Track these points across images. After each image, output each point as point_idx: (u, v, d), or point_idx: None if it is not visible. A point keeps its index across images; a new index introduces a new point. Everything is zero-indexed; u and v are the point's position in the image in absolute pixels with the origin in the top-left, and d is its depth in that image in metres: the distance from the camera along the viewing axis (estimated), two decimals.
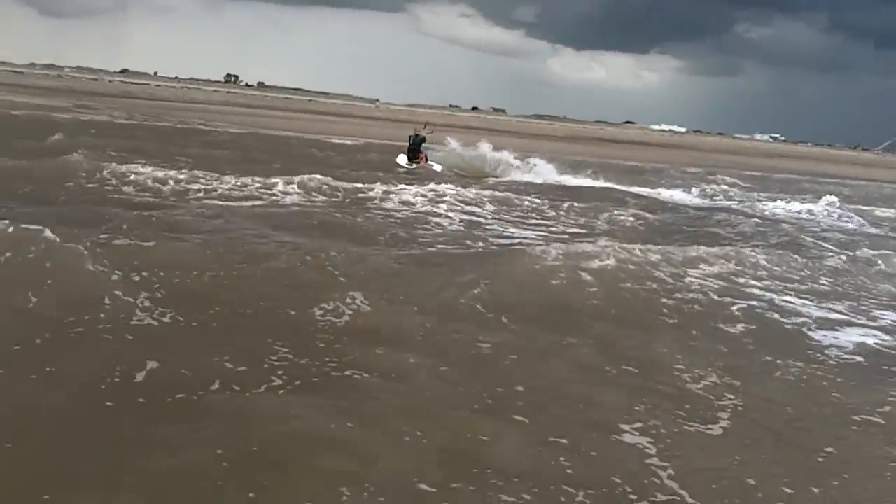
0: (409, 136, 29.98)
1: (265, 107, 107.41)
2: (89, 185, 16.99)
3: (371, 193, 19.18)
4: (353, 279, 9.69)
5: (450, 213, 17.57)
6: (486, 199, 20.32)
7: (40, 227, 9.24)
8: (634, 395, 7.05)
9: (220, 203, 16.14)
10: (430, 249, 12.95)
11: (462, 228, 15.97)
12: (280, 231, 12.69)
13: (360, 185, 20.10)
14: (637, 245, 12.70)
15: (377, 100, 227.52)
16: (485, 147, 31.95)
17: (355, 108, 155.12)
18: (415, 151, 29.19)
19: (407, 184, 21.23)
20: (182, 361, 6.73)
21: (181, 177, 18.57)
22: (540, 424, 6.24)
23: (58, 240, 9.04)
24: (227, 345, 7.22)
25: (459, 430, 5.93)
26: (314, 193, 18.61)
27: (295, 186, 18.83)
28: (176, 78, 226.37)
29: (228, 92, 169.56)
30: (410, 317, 8.65)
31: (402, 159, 29.56)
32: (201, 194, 17.24)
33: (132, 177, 18.08)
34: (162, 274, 9.12)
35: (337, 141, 42.63)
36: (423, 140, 29.50)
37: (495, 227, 16.73)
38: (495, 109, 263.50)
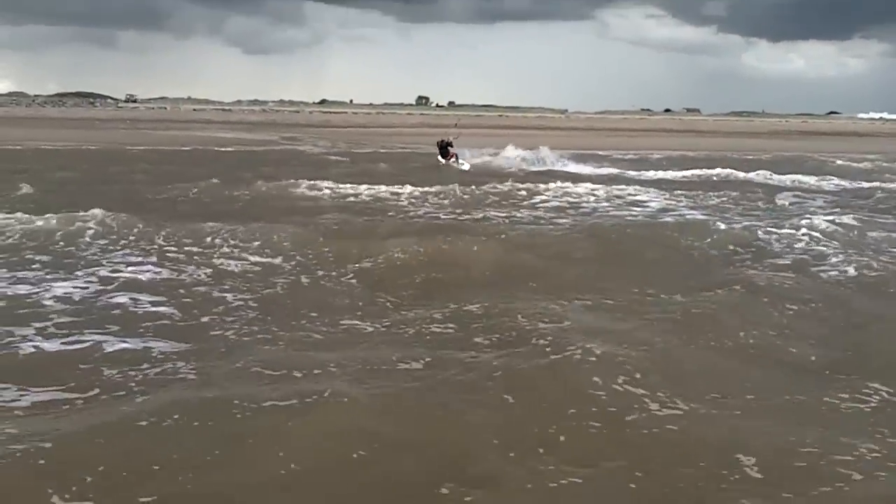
0: (438, 143, 34.87)
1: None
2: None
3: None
4: None
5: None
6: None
7: None
8: None
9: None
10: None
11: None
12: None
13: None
14: None
15: (566, 110, 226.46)
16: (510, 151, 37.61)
17: (545, 120, 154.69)
18: (444, 153, 33.98)
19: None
20: None
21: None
22: None
23: None
24: None
25: None
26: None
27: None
28: (370, 104, 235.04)
29: (421, 114, 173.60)
30: None
31: (441, 160, 34.43)
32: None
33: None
34: None
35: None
36: (449, 144, 34.37)
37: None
38: (689, 110, 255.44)
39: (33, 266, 11.33)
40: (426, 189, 21.86)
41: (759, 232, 15.03)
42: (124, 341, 7.91)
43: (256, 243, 12.87)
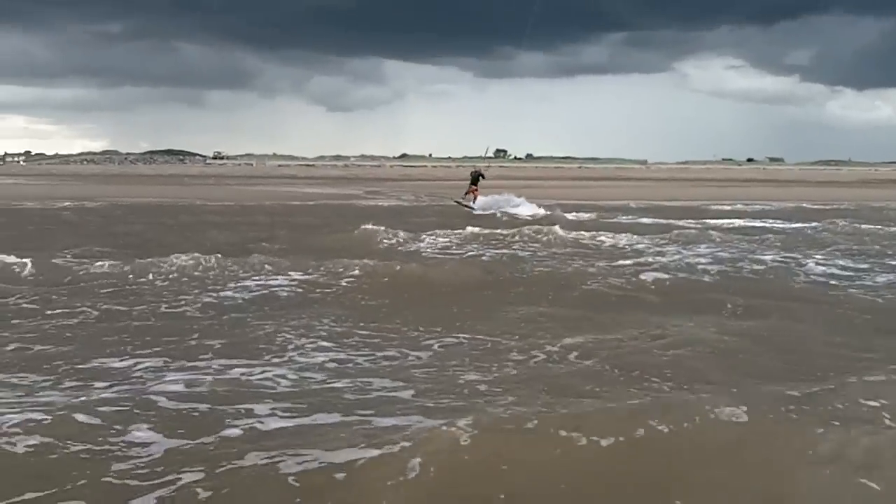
0: (472, 172, 38.28)
1: (538, 177, 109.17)
2: None
3: None
4: None
5: None
6: None
7: None
8: None
9: None
10: None
11: None
12: None
13: None
14: None
15: (646, 160, 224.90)
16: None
17: (624, 171, 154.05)
18: (475, 181, 37.28)
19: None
20: None
21: None
22: None
23: None
24: None
25: None
26: None
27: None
28: (449, 157, 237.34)
29: (500, 166, 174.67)
30: None
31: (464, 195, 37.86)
32: None
33: None
34: None
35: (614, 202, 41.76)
36: (481, 175, 37.39)
37: None
38: (772, 159, 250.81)
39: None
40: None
41: None
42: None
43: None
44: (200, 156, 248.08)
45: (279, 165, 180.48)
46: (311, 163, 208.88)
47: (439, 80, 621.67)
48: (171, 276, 15.00)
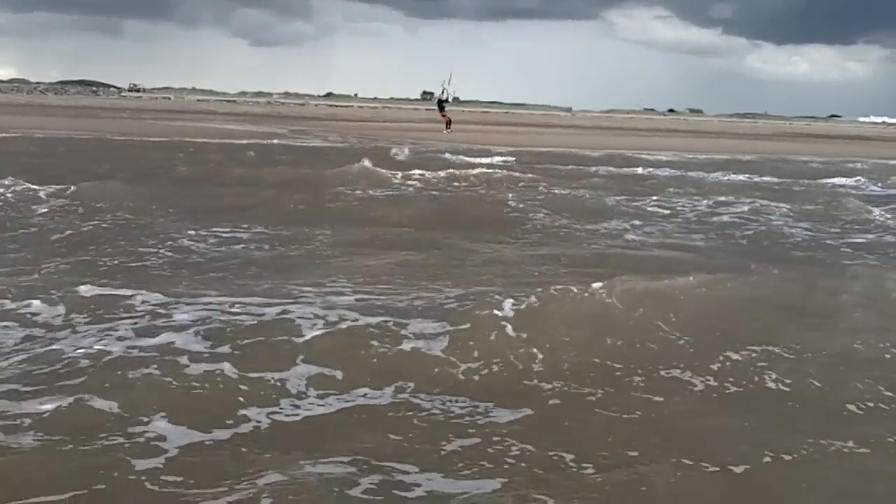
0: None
1: (465, 122, 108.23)
2: None
3: None
4: None
5: None
6: None
7: None
8: None
9: None
10: None
11: None
12: None
13: None
14: None
15: (570, 108, 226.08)
16: None
17: (550, 118, 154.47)
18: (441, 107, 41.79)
19: None
20: None
21: None
22: None
23: None
24: None
25: None
26: None
27: None
28: (375, 98, 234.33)
29: (427, 109, 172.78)
30: None
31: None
32: None
33: None
34: None
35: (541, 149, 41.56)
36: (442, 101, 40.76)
37: None
38: (692, 111, 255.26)
39: None
40: None
41: None
42: None
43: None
44: (115, 87, 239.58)
45: (198, 100, 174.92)
46: (233, 98, 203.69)
47: (369, 17, 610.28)
48: None
